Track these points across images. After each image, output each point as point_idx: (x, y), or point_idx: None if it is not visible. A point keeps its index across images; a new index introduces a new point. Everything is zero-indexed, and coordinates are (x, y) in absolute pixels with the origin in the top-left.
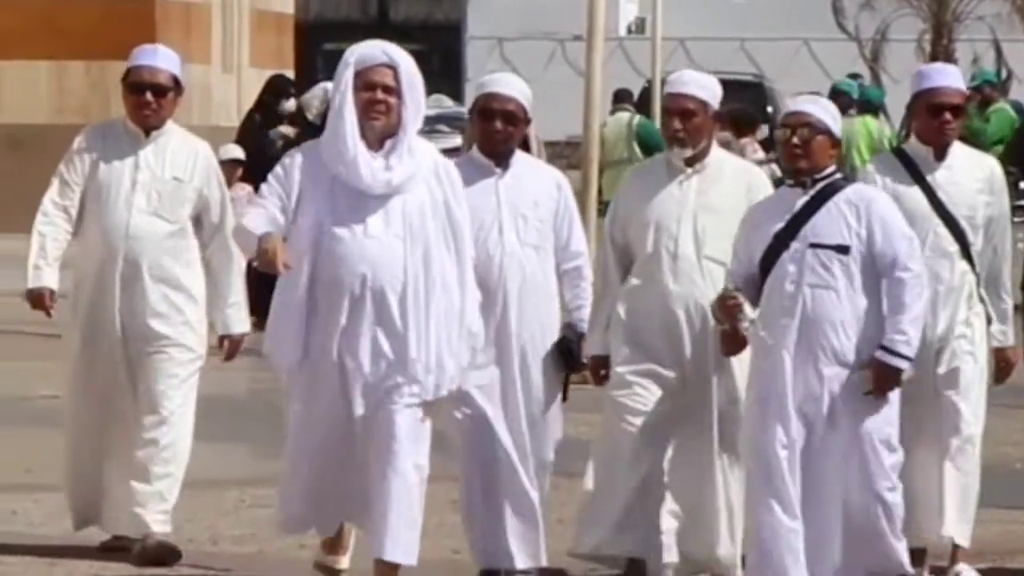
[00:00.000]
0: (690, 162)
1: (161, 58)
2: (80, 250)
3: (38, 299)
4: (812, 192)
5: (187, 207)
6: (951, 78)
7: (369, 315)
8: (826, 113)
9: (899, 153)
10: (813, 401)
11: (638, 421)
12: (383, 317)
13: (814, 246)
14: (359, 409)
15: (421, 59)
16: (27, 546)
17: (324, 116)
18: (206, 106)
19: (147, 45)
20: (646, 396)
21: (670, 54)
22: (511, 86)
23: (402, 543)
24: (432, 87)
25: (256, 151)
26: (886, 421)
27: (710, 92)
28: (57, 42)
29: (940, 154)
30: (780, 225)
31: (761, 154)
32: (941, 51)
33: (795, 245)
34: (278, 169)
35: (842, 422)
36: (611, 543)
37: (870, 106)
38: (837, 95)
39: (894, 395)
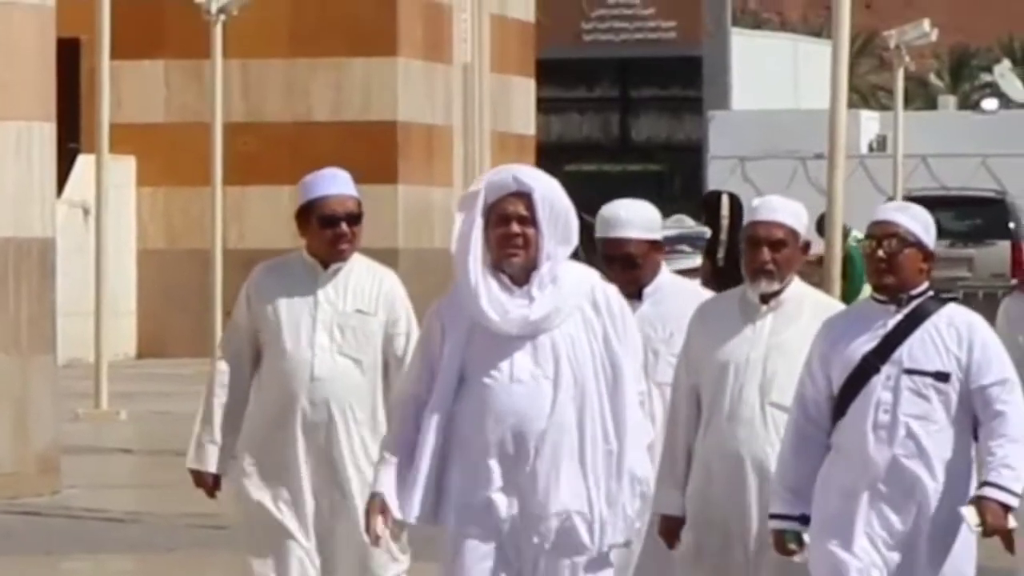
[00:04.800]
0: (765, 298)
1: (343, 183)
2: (257, 398)
3: (200, 482)
4: (906, 311)
5: (374, 342)
6: None
7: (519, 467)
8: (916, 222)
9: None
10: (892, 538)
11: None
12: (535, 469)
13: (910, 372)
14: (516, 573)
15: (662, 179)
16: None
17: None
18: (448, 229)
19: (325, 170)
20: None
21: (911, 171)
22: (624, 225)
23: None
24: (674, 207)
25: None
26: (968, 563)
27: (800, 221)
28: (301, 166)
29: None
30: (869, 346)
31: None
32: None
33: (887, 370)
34: (423, 330)
35: (922, 562)
36: None
37: None
38: None
39: (971, 540)
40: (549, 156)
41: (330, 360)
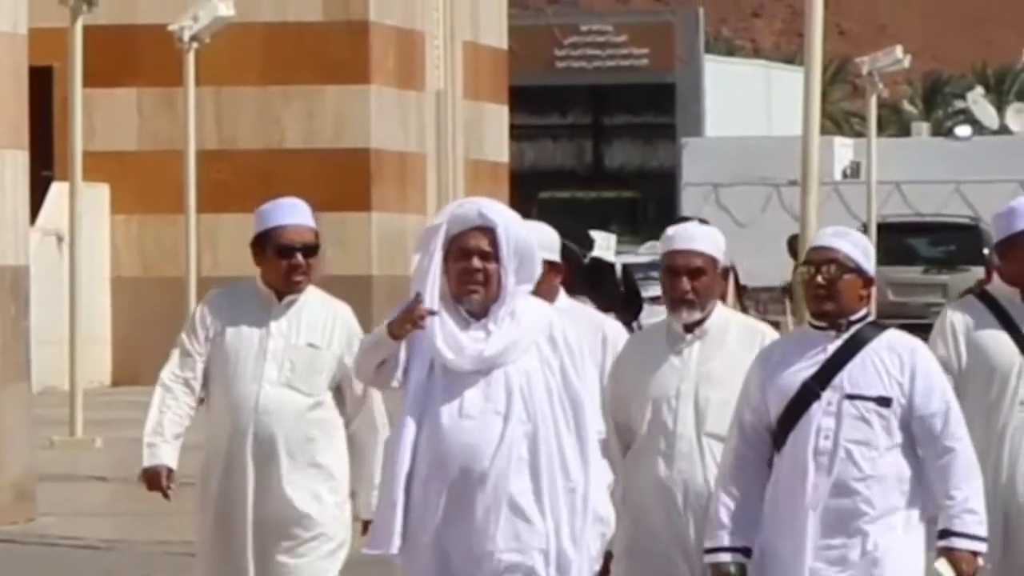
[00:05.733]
0: (689, 327)
1: (301, 213)
2: (208, 427)
3: (153, 479)
4: (846, 336)
5: (324, 377)
6: None
7: (471, 502)
8: (856, 248)
9: (983, 296)
10: (839, 567)
11: None
12: (483, 504)
13: (851, 397)
14: None
15: (636, 206)
16: None
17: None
18: None
19: (283, 199)
20: None
21: (885, 197)
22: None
23: None
24: (647, 234)
25: None
26: None
27: (718, 247)
28: (274, 194)
29: None
30: (808, 372)
31: None
32: None
33: (828, 395)
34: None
35: None
36: None
37: None
38: None
39: (918, 563)
40: (523, 183)
41: (277, 392)
